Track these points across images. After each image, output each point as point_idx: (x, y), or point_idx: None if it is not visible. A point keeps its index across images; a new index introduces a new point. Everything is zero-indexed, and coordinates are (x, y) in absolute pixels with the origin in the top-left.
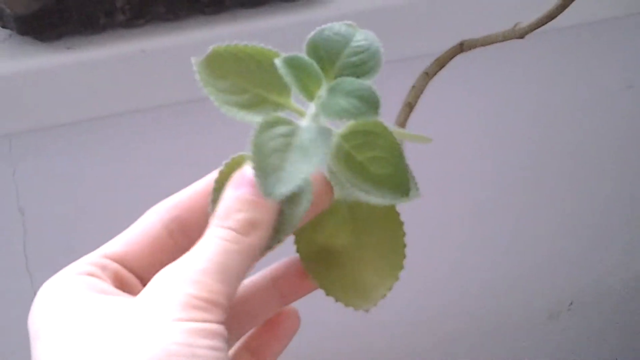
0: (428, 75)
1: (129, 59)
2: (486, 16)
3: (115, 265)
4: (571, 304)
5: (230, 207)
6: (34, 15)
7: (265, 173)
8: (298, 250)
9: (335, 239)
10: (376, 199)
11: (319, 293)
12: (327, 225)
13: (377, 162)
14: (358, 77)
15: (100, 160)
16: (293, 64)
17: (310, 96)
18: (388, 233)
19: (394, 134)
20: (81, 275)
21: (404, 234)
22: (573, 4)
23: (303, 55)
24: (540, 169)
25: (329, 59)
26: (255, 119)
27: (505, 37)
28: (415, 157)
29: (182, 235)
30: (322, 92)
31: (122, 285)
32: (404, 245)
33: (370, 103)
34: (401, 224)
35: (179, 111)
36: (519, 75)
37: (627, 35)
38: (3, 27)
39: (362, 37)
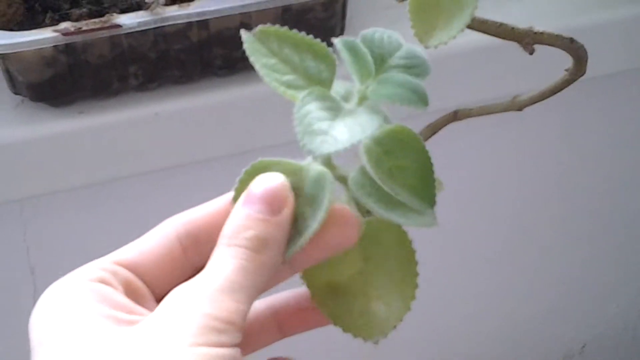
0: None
1: (142, 122)
2: (481, 82)
3: (127, 273)
4: (584, 346)
5: (240, 225)
6: (47, 82)
7: (311, 135)
8: (305, 278)
9: (345, 267)
10: (397, 218)
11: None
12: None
13: (404, 172)
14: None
15: (110, 220)
16: (351, 48)
17: (362, 81)
18: (400, 262)
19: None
20: (92, 282)
21: (416, 263)
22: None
23: (359, 42)
24: (554, 215)
25: (380, 56)
26: (298, 95)
27: (502, 108)
28: None
29: (195, 252)
30: (372, 82)
31: (132, 293)
32: (416, 275)
33: (420, 95)
34: (413, 252)
35: (191, 171)
36: (520, 127)
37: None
38: (15, 93)
39: (411, 48)
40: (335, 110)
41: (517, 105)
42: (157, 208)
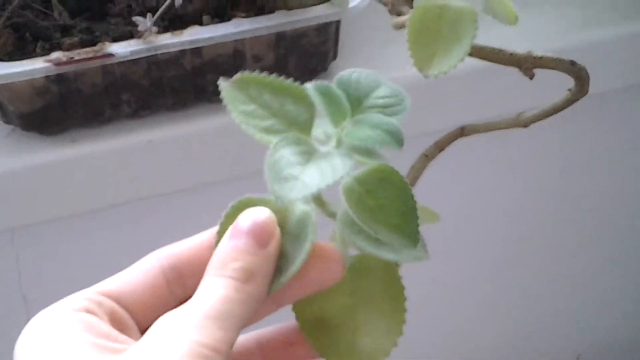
0: (427, 157)
1: (135, 150)
2: (486, 99)
3: (111, 303)
4: (579, 357)
5: (227, 257)
6: (38, 112)
7: (280, 180)
8: (295, 310)
9: (333, 300)
10: (387, 254)
11: None
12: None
13: (387, 210)
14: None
15: (103, 248)
16: (324, 91)
17: (336, 124)
18: (388, 296)
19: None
20: (77, 312)
21: (404, 299)
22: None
23: (333, 85)
24: (550, 227)
25: (357, 97)
26: (274, 141)
27: (508, 125)
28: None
29: (178, 285)
30: (347, 124)
31: (117, 323)
32: (404, 310)
33: (396, 136)
34: (402, 288)
35: (184, 198)
36: (523, 142)
37: (632, 105)
38: (6, 122)
39: (389, 86)
40: (308, 154)
41: (522, 122)
42: (150, 235)
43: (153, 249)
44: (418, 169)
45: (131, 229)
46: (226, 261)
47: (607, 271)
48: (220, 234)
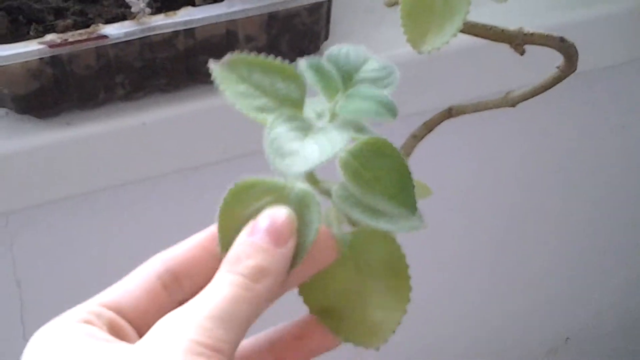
0: (416, 137)
1: (130, 131)
2: (476, 78)
3: (111, 314)
4: (567, 339)
5: (242, 252)
6: (32, 94)
7: (282, 156)
8: (302, 295)
9: (339, 279)
10: (384, 225)
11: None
12: (330, 265)
13: (384, 181)
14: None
15: (98, 231)
16: (316, 67)
17: (329, 98)
18: (391, 267)
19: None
20: (79, 323)
21: (407, 267)
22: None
23: (324, 61)
24: (538, 211)
25: (347, 71)
26: (270, 118)
27: (496, 105)
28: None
29: (176, 289)
30: (340, 98)
31: (117, 333)
32: (409, 277)
33: (389, 107)
34: (403, 256)
35: (178, 179)
36: (511, 120)
37: (618, 81)
38: (0, 106)
39: (378, 60)
40: (305, 129)
41: (510, 102)
42: (146, 217)
43: (148, 231)
44: (407, 150)
45: (126, 211)
46: (241, 257)
47: (596, 253)
48: (221, 220)
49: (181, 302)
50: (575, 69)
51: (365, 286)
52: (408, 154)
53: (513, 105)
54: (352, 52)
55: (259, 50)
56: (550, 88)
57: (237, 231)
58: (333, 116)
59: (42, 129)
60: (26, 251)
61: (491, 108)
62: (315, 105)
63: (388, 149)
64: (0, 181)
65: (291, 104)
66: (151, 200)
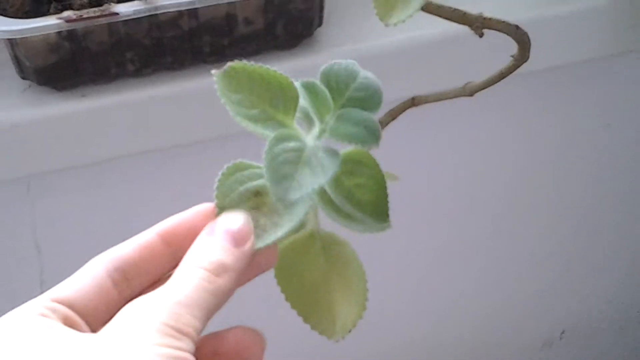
0: (380, 123)
1: (138, 104)
2: (437, 72)
3: (64, 309)
4: (563, 332)
5: (204, 249)
6: (51, 67)
7: (278, 180)
8: (279, 282)
9: (312, 270)
10: (357, 227)
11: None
12: (304, 257)
13: (362, 188)
14: (363, 109)
15: (111, 198)
16: (310, 88)
17: (320, 118)
18: (355, 270)
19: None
20: (39, 316)
21: (364, 273)
22: (547, 48)
23: (318, 82)
24: (531, 202)
25: (338, 90)
26: (263, 131)
27: (455, 94)
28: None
29: (126, 286)
30: (330, 118)
31: (72, 328)
32: (366, 283)
33: (374, 133)
34: (361, 265)
35: (185, 152)
36: (495, 116)
37: (601, 76)
38: (23, 78)
39: (365, 75)
40: (299, 151)
41: (469, 91)
42: (153, 185)
43: (154, 199)
44: None
45: (138, 181)
46: (203, 253)
47: (592, 246)
48: (218, 198)
49: (129, 300)
50: (528, 58)
51: (332, 281)
52: None
53: (471, 94)
54: (343, 71)
55: (257, 34)
56: (505, 77)
57: (232, 206)
58: (322, 133)
59: (60, 100)
60: (46, 216)
61: (451, 97)
62: (305, 108)
63: (369, 159)
64: (23, 147)
65: (284, 113)
66: (160, 170)
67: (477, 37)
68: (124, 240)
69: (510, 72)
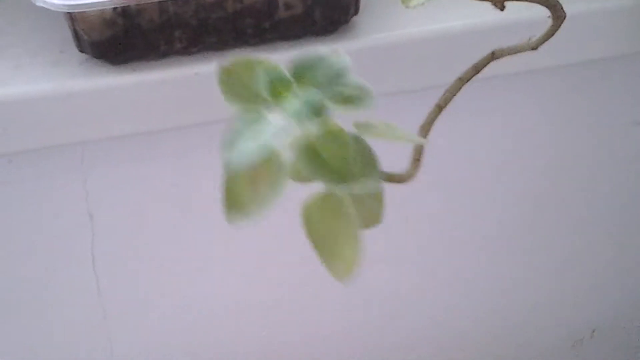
0: (462, 80)
1: (185, 80)
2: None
3: None
4: (594, 331)
5: None
6: (106, 42)
7: (226, 148)
8: (305, 224)
9: (330, 216)
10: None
11: None
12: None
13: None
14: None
15: (162, 168)
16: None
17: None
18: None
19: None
20: None
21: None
22: (580, 43)
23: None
24: (563, 197)
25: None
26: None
27: (524, 48)
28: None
29: None
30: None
31: None
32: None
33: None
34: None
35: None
36: (525, 112)
37: (633, 72)
38: (81, 51)
39: (354, 78)
40: (254, 121)
41: (534, 45)
42: (201, 157)
43: (201, 170)
44: (451, 91)
45: (183, 151)
46: None
47: (623, 243)
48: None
49: None
50: (565, 16)
51: (341, 227)
52: (452, 95)
53: (535, 48)
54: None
55: (296, 19)
56: (556, 31)
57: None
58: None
59: (113, 73)
60: (98, 184)
61: (520, 52)
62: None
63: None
64: (79, 115)
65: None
66: (206, 143)
67: (505, 25)
68: (170, 210)
69: (560, 25)
